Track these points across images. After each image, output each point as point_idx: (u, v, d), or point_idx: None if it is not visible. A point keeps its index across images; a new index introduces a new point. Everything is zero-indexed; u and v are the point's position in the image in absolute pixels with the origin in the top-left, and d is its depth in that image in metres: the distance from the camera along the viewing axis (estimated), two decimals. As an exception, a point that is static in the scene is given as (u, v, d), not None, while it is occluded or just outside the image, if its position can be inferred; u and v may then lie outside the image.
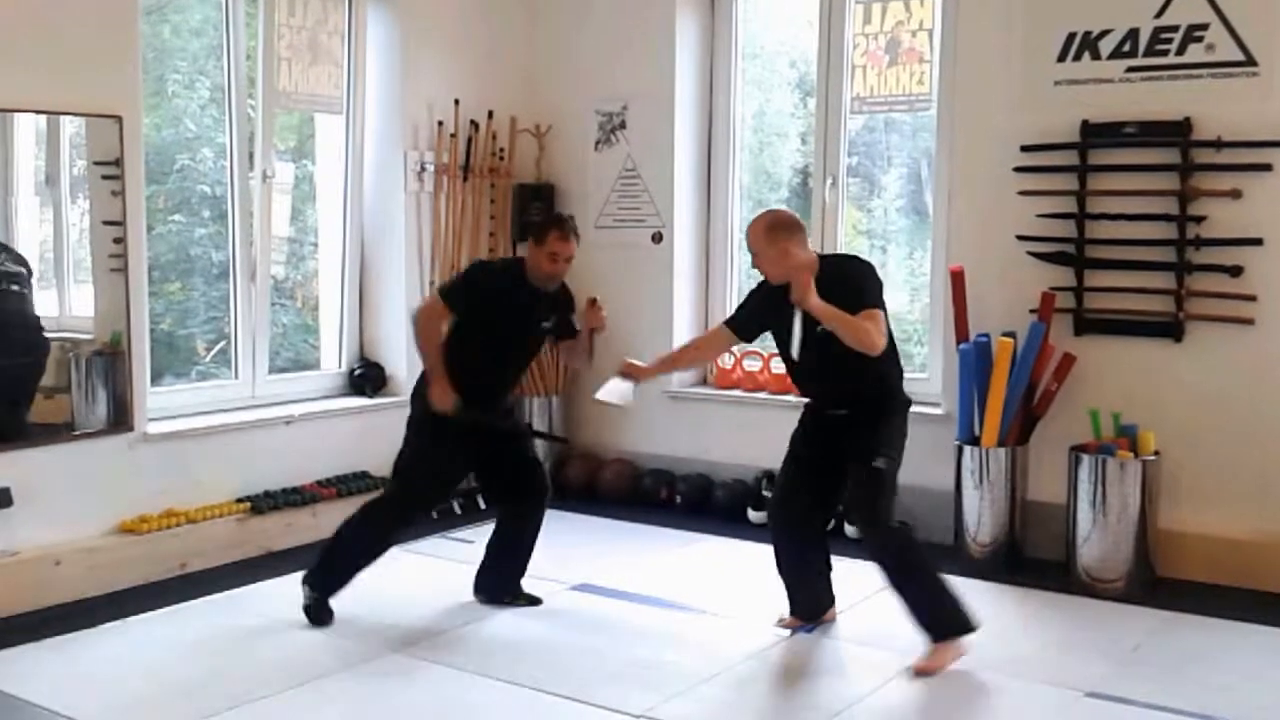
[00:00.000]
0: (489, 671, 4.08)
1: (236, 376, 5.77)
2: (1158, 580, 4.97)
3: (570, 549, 5.46)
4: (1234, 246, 4.97)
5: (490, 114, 6.45)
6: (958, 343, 5.36)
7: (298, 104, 6.00)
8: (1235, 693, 3.92)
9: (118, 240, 5.01)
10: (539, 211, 6.30)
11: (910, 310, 6.23)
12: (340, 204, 6.19)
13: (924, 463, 5.06)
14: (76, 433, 4.96)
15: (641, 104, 6.42)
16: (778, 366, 5.89)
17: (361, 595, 4.60)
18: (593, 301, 4.63)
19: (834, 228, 6.05)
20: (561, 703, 3.85)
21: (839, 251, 5.77)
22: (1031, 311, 5.25)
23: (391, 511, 4.57)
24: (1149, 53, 5.09)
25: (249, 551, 5.36)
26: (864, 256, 4.23)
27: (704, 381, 6.55)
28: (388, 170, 6.17)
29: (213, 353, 5.96)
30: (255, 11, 5.65)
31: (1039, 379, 5.26)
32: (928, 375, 5.78)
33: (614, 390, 4.37)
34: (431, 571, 5.19)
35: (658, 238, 6.43)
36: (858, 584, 4.60)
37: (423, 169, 6.19)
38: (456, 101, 6.28)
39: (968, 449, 5.25)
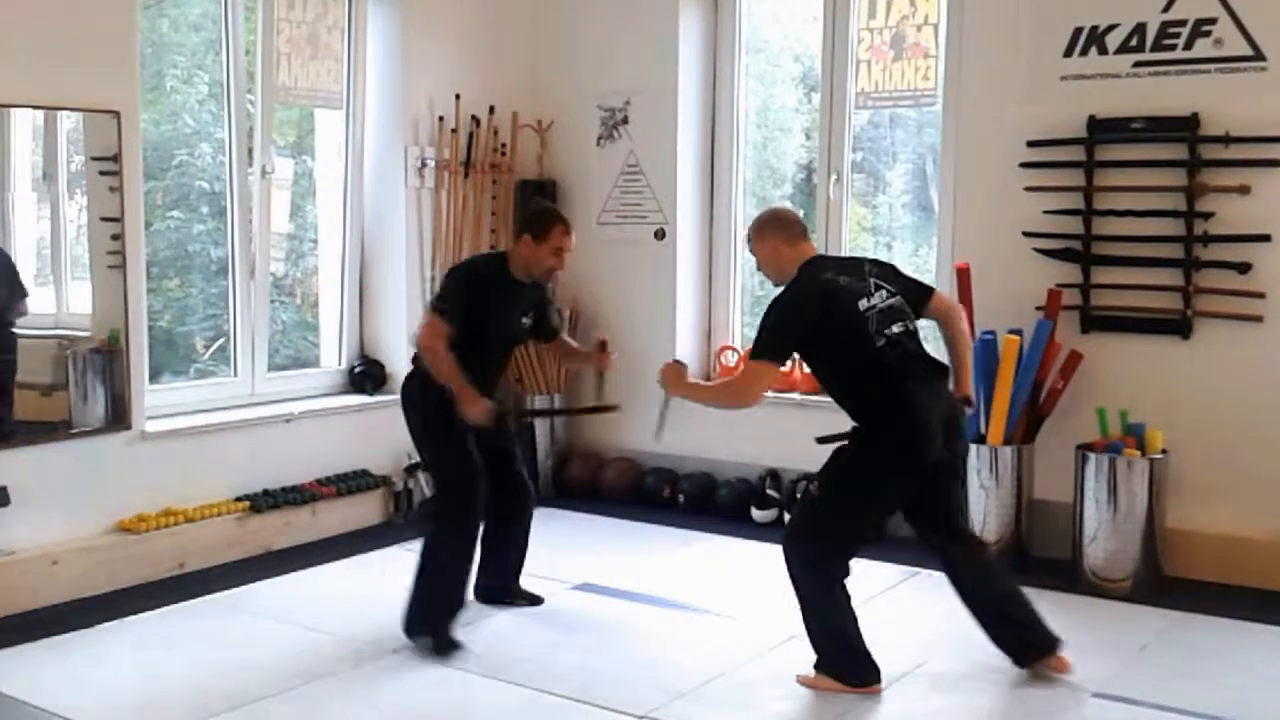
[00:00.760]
0: (490, 671, 4.05)
1: (235, 374, 5.74)
2: (1165, 580, 4.94)
3: (572, 548, 5.44)
4: (1242, 243, 4.94)
5: (492, 109, 6.41)
6: (963, 340, 5.33)
7: (297, 99, 5.97)
8: (1244, 693, 3.88)
9: (115, 237, 4.98)
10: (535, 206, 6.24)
11: (915, 307, 6.19)
12: (340, 200, 6.16)
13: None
14: (74, 431, 4.92)
15: (644, 99, 6.38)
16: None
17: (361, 595, 4.57)
18: (602, 345, 4.58)
19: (838, 224, 6.01)
20: (563, 703, 3.82)
21: (840, 255, 5.65)
22: (1038, 309, 5.23)
23: (456, 527, 4.36)
24: (1156, 47, 5.06)
25: (248, 551, 5.33)
26: (810, 278, 3.86)
27: (707, 379, 6.50)
28: (388, 166, 6.14)
29: (211, 350, 5.94)
30: (254, 6, 5.62)
31: (1045, 377, 5.23)
32: (932, 373, 5.74)
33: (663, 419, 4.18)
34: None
35: (660, 234, 6.40)
36: (867, 583, 4.56)
37: (423, 165, 6.15)
38: (458, 96, 6.24)
39: (974, 447, 5.18)
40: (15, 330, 4.84)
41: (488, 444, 4.43)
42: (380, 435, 5.82)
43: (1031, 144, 5.30)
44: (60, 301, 5.12)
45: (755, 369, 3.83)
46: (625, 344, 6.33)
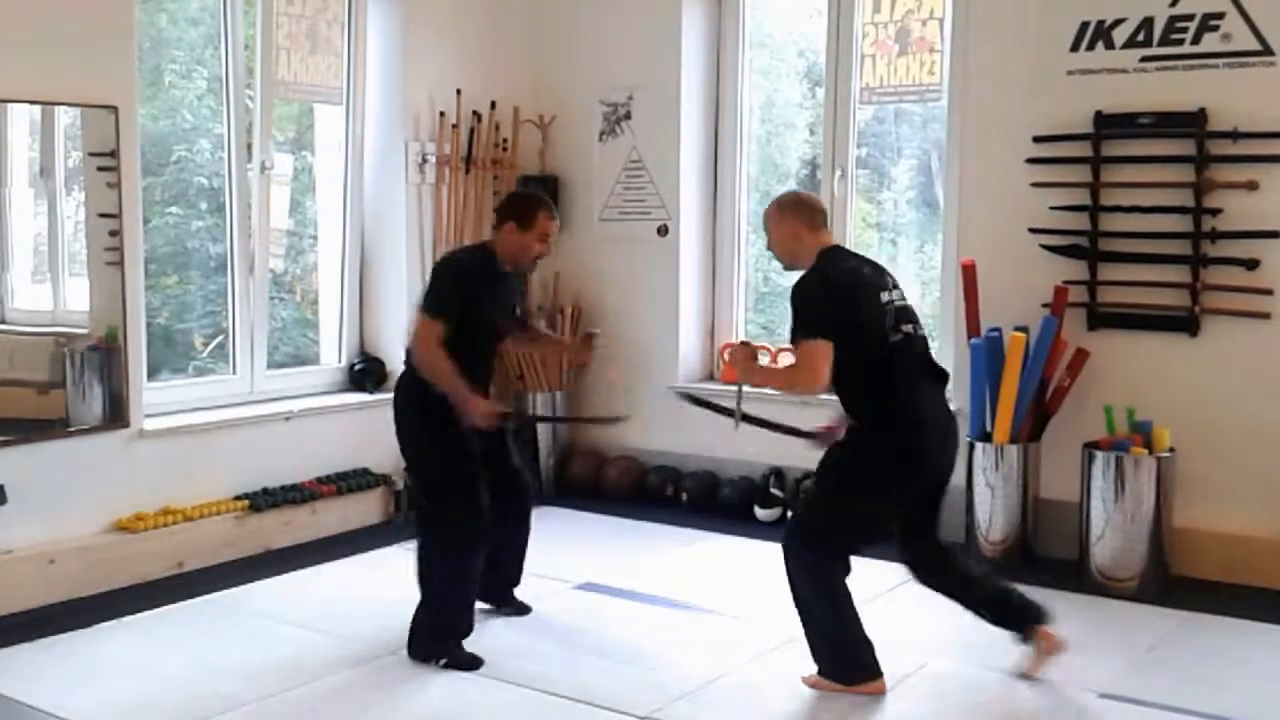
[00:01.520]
0: (491, 671, 4.03)
1: (234, 372, 5.71)
2: (1172, 579, 4.91)
3: (574, 547, 5.42)
4: (1250, 239, 4.91)
5: (493, 104, 6.38)
6: (969, 338, 5.31)
7: (297, 94, 5.94)
8: (1252, 695, 3.86)
9: (113, 233, 4.95)
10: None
11: (921, 304, 6.13)
12: (340, 196, 6.13)
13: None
14: (71, 429, 4.89)
15: (647, 94, 6.34)
16: (786, 360, 5.80)
17: (361, 595, 4.54)
18: (589, 337, 4.52)
19: (843, 220, 5.97)
20: (563, 703, 3.79)
21: (848, 247, 5.62)
22: (1044, 306, 5.19)
23: (454, 530, 4.14)
24: (1164, 42, 5.02)
25: (247, 550, 5.30)
26: (825, 267, 3.80)
27: (710, 377, 6.48)
28: (388, 162, 6.10)
29: (210, 347, 5.90)
30: (253, 0, 5.58)
31: (1052, 374, 5.20)
32: (938, 370, 5.71)
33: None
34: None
35: (663, 230, 6.36)
36: (867, 583, 4.52)
37: (424, 160, 6.12)
38: (458, 91, 6.20)
39: (979, 445, 5.18)
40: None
41: (481, 443, 4.36)
42: (380, 433, 5.69)
43: (1038, 140, 5.26)
44: (58, 298, 5.09)
45: (810, 346, 3.69)
46: (628, 341, 6.32)
